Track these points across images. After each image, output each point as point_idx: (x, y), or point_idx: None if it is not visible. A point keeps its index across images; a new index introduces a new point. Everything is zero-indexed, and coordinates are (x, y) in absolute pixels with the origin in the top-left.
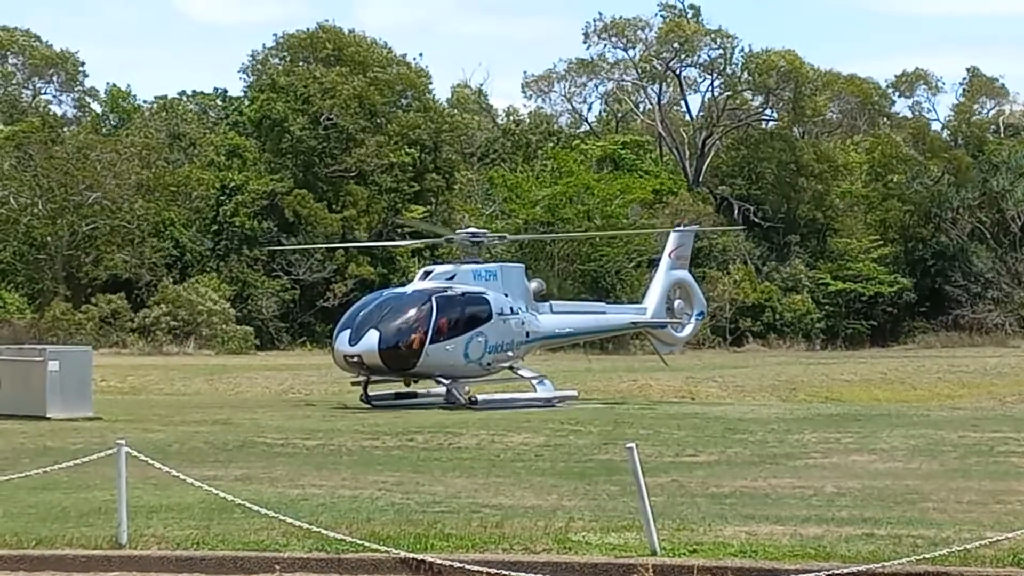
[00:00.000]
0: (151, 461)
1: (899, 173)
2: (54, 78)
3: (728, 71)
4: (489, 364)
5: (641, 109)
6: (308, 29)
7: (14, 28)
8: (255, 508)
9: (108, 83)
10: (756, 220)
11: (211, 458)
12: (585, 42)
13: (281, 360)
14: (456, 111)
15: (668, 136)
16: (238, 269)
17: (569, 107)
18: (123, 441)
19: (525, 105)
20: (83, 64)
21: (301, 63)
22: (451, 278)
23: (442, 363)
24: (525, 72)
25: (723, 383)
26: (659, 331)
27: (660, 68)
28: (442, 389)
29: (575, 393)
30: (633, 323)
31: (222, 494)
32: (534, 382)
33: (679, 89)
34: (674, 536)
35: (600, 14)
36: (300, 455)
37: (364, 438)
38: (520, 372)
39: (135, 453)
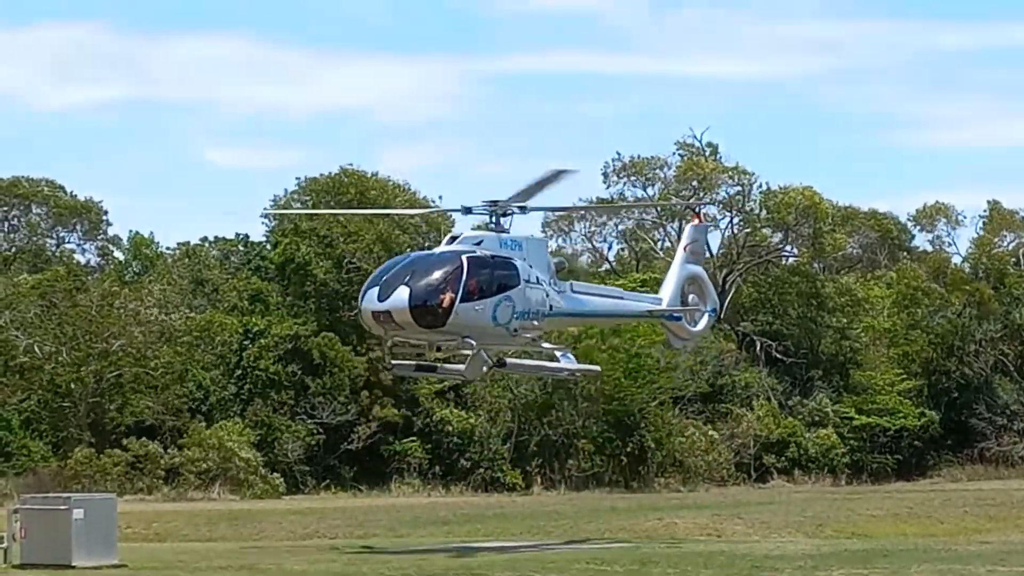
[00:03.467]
0: None
1: (922, 306)
2: (77, 227)
3: (747, 208)
4: (516, 331)
5: (661, 247)
6: (330, 173)
7: (39, 179)
8: None
9: (131, 231)
10: (778, 356)
11: None
12: (604, 181)
13: (306, 504)
14: None
15: None
16: (263, 413)
17: (589, 246)
18: None
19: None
20: (106, 213)
21: (323, 207)
22: (478, 244)
23: (471, 323)
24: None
25: (749, 520)
26: (674, 325)
27: (679, 206)
28: (460, 367)
29: (598, 368)
30: (649, 312)
31: None
32: (557, 354)
33: None
34: None
35: (619, 154)
36: None
37: None
38: (543, 344)
39: None
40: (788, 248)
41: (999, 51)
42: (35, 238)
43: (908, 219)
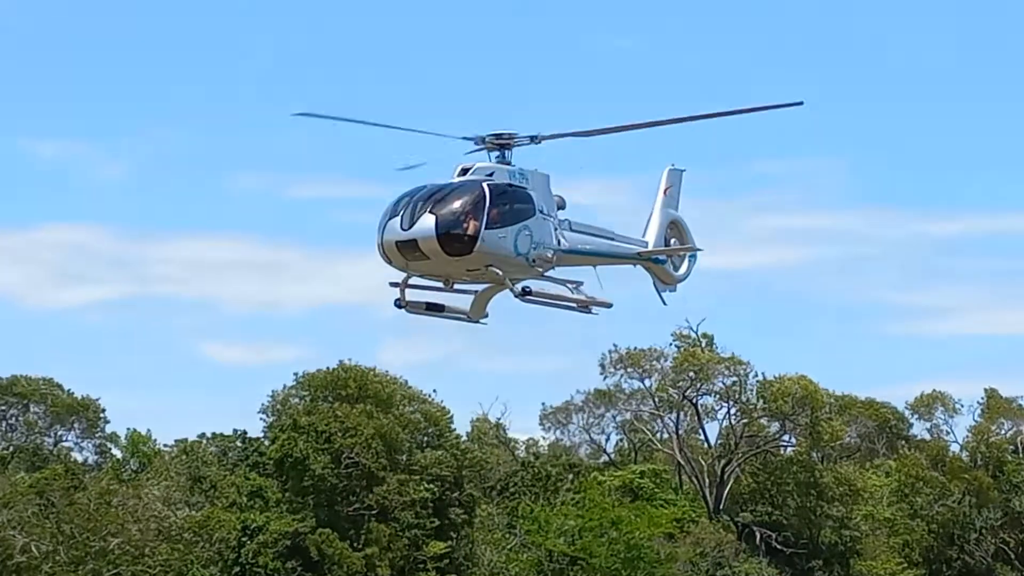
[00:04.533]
0: None
1: (922, 495)
2: (75, 425)
3: (743, 398)
4: (533, 261)
5: (660, 438)
6: (329, 368)
7: (37, 378)
8: None
9: (128, 428)
10: (778, 546)
11: None
12: (602, 373)
13: None
14: (476, 445)
15: (687, 465)
16: None
17: (588, 438)
18: None
19: (544, 437)
20: (104, 410)
21: (322, 402)
22: (490, 175)
23: (496, 251)
24: (543, 404)
25: None
26: (658, 268)
27: (676, 397)
28: (465, 308)
29: (611, 303)
30: (638, 253)
31: None
32: (570, 287)
33: (696, 417)
34: None
35: (615, 346)
36: None
37: None
38: (553, 277)
39: None
40: (786, 437)
41: (992, 240)
42: (33, 436)
43: (906, 407)
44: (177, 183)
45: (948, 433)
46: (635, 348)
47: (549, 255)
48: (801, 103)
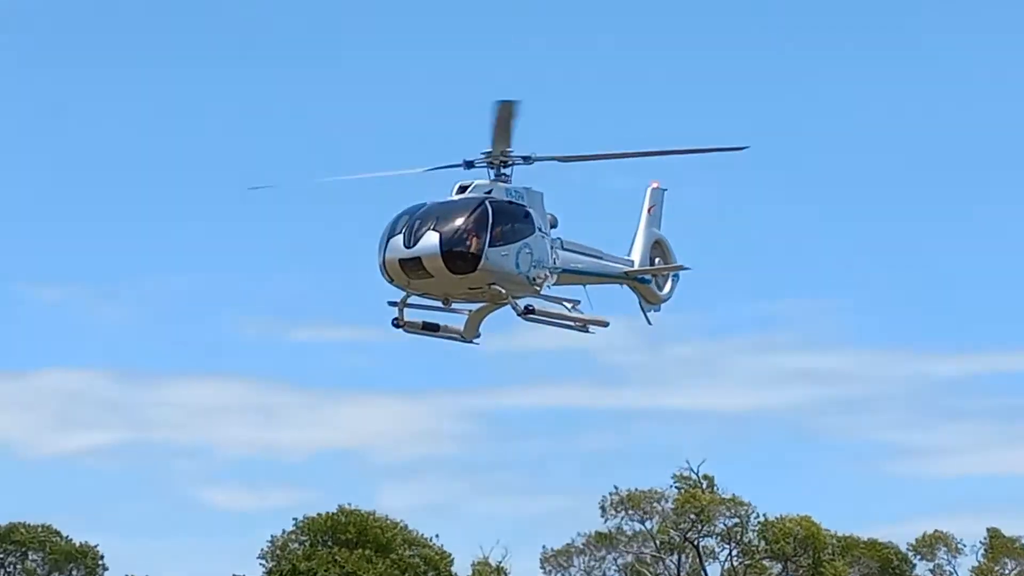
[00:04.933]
0: None
1: None
2: (74, 572)
3: (745, 539)
4: (534, 279)
5: None
6: (329, 512)
7: (36, 525)
8: None
9: (127, 575)
10: None
11: None
12: (603, 515)
13: None
14: None
15: None
16: None
17: None
18: None
19: None
20: (102, 557)
21: (322, 547)
22: (488, 192)
23: (499, 269)
24: (544, 546)
25: None
26: (644, 288)
27: (678, 539)
28: (459, 327)
29: (608, 322)
30: (625, 273)
31: None
32: (568, 306)
33: (698, 559)
34: None
35: (616, 488)
36: None
37: None
38: (552, 294)
39: None
40: None
41: (993, 379)
42: None
43: (908, 548)
44: (175, 326)
45: (951, 574)
46: (636, 490)
47: (547, 273)
48: (747, 147)
